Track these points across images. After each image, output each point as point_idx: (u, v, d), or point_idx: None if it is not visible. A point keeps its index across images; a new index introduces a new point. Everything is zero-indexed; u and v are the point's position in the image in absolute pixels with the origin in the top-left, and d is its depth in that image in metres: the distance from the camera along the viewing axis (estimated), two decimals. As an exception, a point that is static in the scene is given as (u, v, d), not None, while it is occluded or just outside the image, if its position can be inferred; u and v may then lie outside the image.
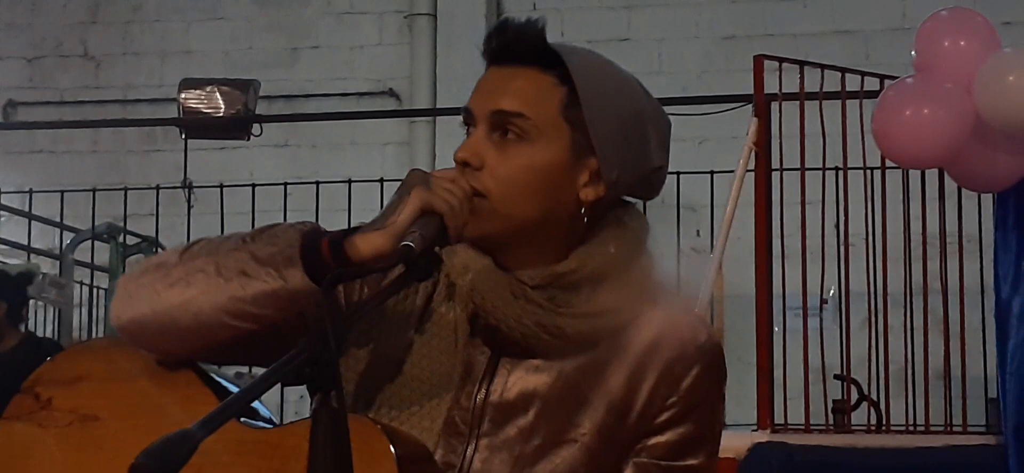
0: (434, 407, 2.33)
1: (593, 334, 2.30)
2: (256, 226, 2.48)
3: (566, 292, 2.27)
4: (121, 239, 10.92)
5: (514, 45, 2.26)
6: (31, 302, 9.76)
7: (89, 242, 10.85)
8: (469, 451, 2.32)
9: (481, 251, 2.31)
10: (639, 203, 2.43)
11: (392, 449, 2.13)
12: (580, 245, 2.29)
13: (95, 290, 10.99)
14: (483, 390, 2.32)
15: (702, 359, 2.31)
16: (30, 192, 10.84)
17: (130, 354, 2.36)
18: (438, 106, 12.50)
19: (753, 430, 6.67)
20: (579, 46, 2.27)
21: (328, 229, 2.27)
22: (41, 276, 10.14)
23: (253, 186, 9.97)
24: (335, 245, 2.14)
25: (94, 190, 10.66)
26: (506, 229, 2.26)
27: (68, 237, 10.94)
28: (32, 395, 2.47)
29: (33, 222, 11.02)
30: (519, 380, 2.32)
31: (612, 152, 2.27)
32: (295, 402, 9.80)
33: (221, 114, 10.23)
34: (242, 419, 2.22)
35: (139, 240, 10.85)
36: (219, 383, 2.36)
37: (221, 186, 10.12)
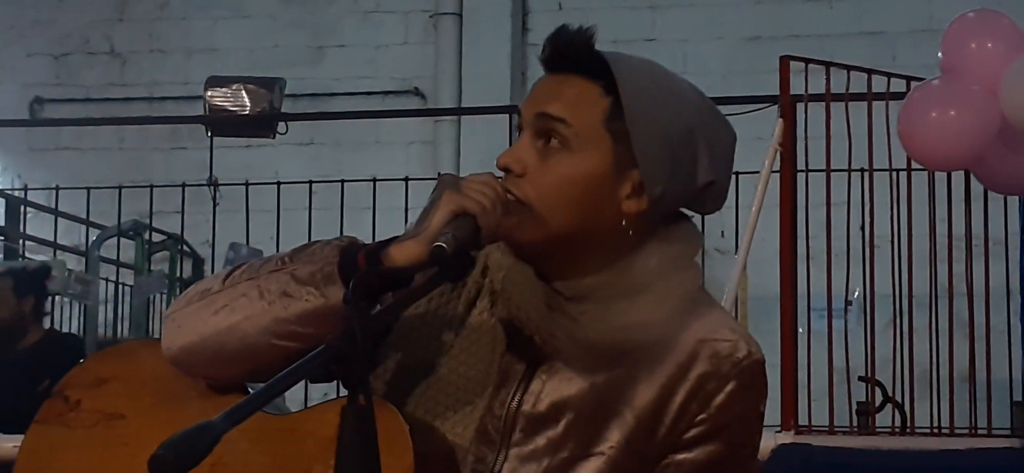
0: (467, 413, 2.34)
1: (626, 347, 2.30)
2: (281, 224, 2.54)
3: (601, 305, 2.28)
4: (146, 236, 10.96)
5: (565, 52, 2.26)
6: (56, 298, 9.77)
7: (115, 239, 10.91)
8: (499, 460, 2.34)
9: (523, 260, 2.30)
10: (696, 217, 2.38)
11: (410, 438, 2.14)
12: (622, 258, 2.31)
13: (120, 286, 11.09)
14: (516, 399, 2.34)
15: (738, 376, 2.30)
16: (57, 189, 10.85)
17: (156, 355, 2.36)
18: (463, 105, 12.49)
19: (776, 431, 6.66)
20: (635, 56, 2.26)
21: (358, 237, 2.31)
22: (66, 272, 10.18)
23: (278, 184, 10.00)
24: (371, 257, 2.17)
25: (120, 187, 10.70)
26: (546, 238, 2.27)
27: (94, 234, 11.00)
28: (61, 398, 2.47)
29: (59, 218, 11.08)
30: (552, 391, 2.33)
31: (656, 168, 2.28)
32: (319, 400, 9.63)
33: (247, 112, 10.30)
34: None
35: (164, 237, 10.89)
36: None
37: (246, 184, 10.13)
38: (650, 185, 2.25)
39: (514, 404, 2.33)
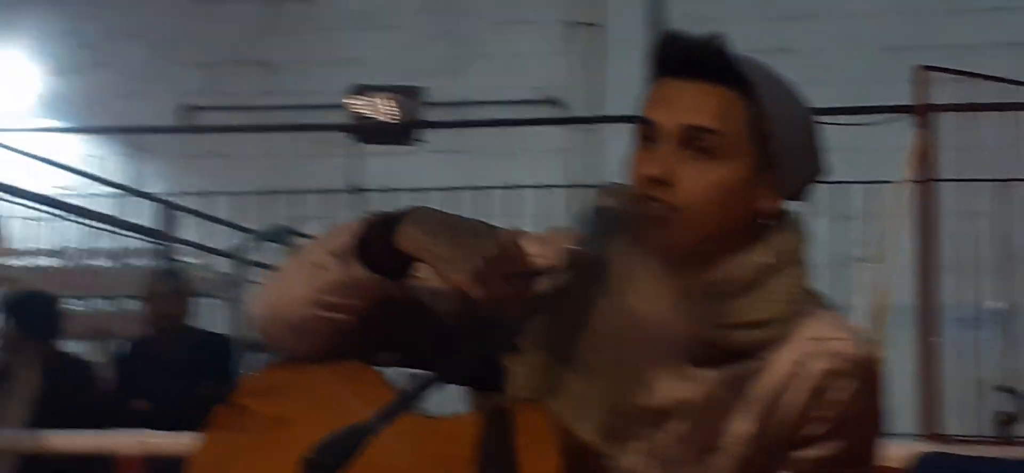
0: (597, 407, 2.40)
1: (747, 342, 2.32)
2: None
3: (721, 300, 2.32)
4: (291, 240, 11.03)
5: (696, 58, 2.28)
6: (206, 299, 10.14)
7: (261, 243, 11.17)
8: (630, 452, 2.37)
9: (666, 261, 2.32)
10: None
11: (553, 437, 2.20)
12: (734, 254, 2.36)
13: None
14: (642, 395, 2.37)
15: (859, 375, 2.30)
16: (209, 194, 11.29)
17: (318, 364, 2.48)
18: (605, 114, 12.48)
19: (916, 439, 6.60)
20: (758, 61, 2.30)
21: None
22: (216, 275, 10.73)
23: (419, 191, 9.88)
24: (379, 228, 2.22)
25: (266, 192, 11.18)
26: (693, 241, 2.32)
27: (242, 238, 11.29)
28: (233, 406, 2.58)
29: (209, 223, 11.36)
30: (672, 388, 2.35)
31: (794, 168, 2.34)
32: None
33: (389, 120, 10.41)
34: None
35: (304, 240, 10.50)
36: (394, 382, 2.42)
37: (389, 190, 10.16)
38: (788, 184, 2.30)
39: (640, 400, 2.37)
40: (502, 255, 2.23)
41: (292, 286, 2.33)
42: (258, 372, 2.63)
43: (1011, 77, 7.47)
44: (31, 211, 10.31)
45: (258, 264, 11.07)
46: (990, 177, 7.47)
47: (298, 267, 2.37)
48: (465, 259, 2.24)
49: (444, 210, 2.33)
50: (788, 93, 2.32)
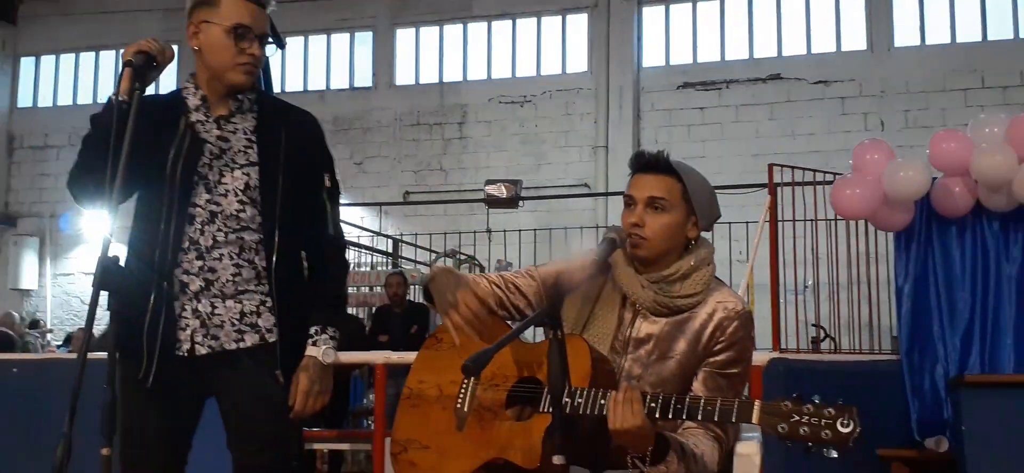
0: (604, 337, 2.37)
1: (683, 305, 2.33)
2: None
3: (669, 284, 2.33)
4: (461, 256, 11.20)
5: (652, 163, 2.33)
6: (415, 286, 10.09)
7: (443, 258, 11.17)
8: (623, 361, 2.35)
9: (636, 264, 2.35)
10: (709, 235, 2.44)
11: (589, 350, 2.25)
12: (678, 259, 2.33)
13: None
14: (628, 331, 2.35)
15: (740, 317, 2.32)
16: (415, 234, 11.54)
17: (488, 317, 2.40)
18: (610, 191, 12.29)
19: (769, 351, 6.07)
20: (683, 163, 2.35)
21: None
22: (418, 275, 10.42)
23: (519, 231, 10.30)
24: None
25: (446, 233, 11.12)
26: (656, 254, 2.32)
27: (433, 256, 11.56)
28: (434, 337, 2.56)
29: (417, 248, 11.63)
30: (646, 327, 2.34)
31: (704, 213, 2.36)
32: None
33: (505, 196, 10.33)
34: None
35: (467, 257, 11.31)
36: (509, 325, 2.43)
37: (504, 231, 10.40)
38: (703, 222, 2.36)
39: (627, 333, 2.34)
40: (457, 302, 2.24)
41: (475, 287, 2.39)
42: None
43: (811, 167, 7.21)
44: None
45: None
46: (803, 218, 7.07)
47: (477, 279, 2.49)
48: (439, 301, 2.30)
49: (455, 271, 2.46)
50: (700, 177, 2.37)
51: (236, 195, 2.50)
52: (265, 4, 2.55)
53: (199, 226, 2.48)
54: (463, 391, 2.35)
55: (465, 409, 2.32)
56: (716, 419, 2.09)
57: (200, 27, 2.50)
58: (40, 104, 16.87)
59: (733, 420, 2.07)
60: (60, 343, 13.02)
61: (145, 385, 2.41)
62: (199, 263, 2.48)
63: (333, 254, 2.63)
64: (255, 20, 2.49)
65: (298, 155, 2.56)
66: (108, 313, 2.36)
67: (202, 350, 2.48)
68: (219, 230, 2.48)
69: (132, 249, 2.47)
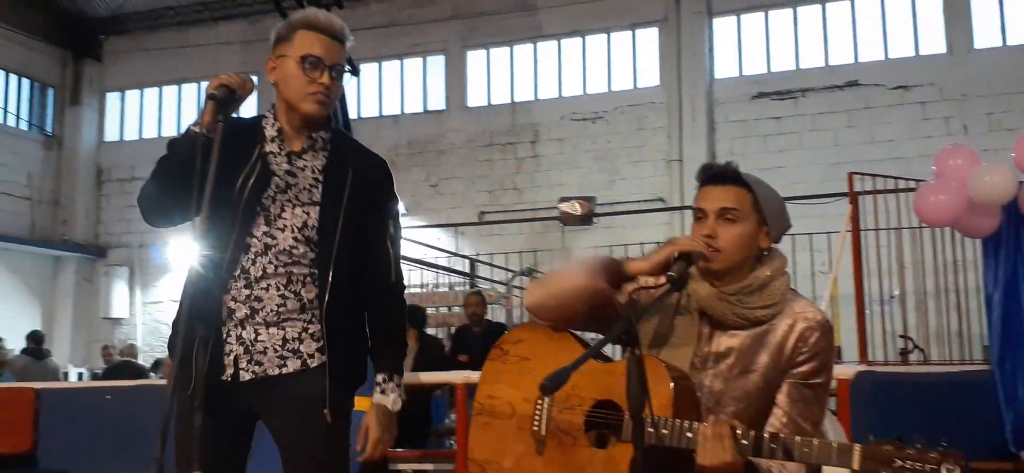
0: (683, 354, 2.34)
1: (762, 316, 2.31)
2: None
3: (748, 295, 2.30)
4: (534, 275, 11.48)
5: (722, 175, 2.33)
6: (493, 305, 10.34)
7: (520, 277, 11.58)
8: (703, 377, 2.32)
9: (710, 278, 2.32)
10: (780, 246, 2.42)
11: (668, 372, 2.19)
12: (752, 271, 2.32)
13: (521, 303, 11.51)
14: (708, 346, 2.33)
15: (820, 328, 2.28)
16: (490, 253, 11.47)
17: (543, 331, 2.44)
18: (684, 205, 12.15)
19: (855, 363, 6.00)
20: (751, 173, 2.33)
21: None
22: (498, 294, 10.73)
23: (594, 248, 10.77)
24: (616, 262, 2.28)
25: (522, 251, 11.28)
26: (729, 266, 2.29)
27: (509, 275, 11.68)
28: (499, 349, 2.54)
29: (493, 267, 11.55)
30: (725, 341, 2.31)
31: (776, 224, 2.35)
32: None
33: (579, 214, 10.87)
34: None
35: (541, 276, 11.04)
36: (585, 342, 2.40)
37: (578, 248, 11.18)
38: (774, 233, 2.34)
39: (707, 349, 2.31)
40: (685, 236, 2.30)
41: (561, 285, 2.34)
42: (511, 331, 2.57)
43: (892, 174, 7.14)
44: (410, 264, 10.56)
45: (519, 287, 11.59)
46: (886, 227, 6.88)
47: (563, 277, 2.35)
48: (670, 243, 2.28)
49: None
50: (770, 188, 2.36)
51: (293, 232, 2.54)
52: (341, 37, 2.59)
53: (252, 256, 2.53)
54: (539, 411, 2.33)
55: (542, 431, 2.31)
56: (813, 462, 2.03)
57: (277, 62, 2.56)
58: (126, 137, 17.49)
59: (832, 463, 2.00)
60: (149, 368, 13.29)
61: (197, 409, 2.39)
62: (247, 291, 2.52)
63: (395, 301, 2.65)
64: (327, 52, 2.53)
65: (363, 199, 2.58)
66: (177, 340, 2.44)
67: (246, 376, 2.52)
68: (270, 262, 2.52)
69: (192, 274, 2.49)
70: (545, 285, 2.37)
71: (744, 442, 2.06)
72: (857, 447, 1.99)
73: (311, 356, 2.53)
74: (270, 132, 2.60)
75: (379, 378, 2.61)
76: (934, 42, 13.03)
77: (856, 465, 1.98)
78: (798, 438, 2.06)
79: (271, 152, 2.58)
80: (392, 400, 2.58)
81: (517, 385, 2.39)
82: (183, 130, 2.52)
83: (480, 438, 2.45)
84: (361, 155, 2.69)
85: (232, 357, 2.52)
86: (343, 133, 2.76)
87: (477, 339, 8.32)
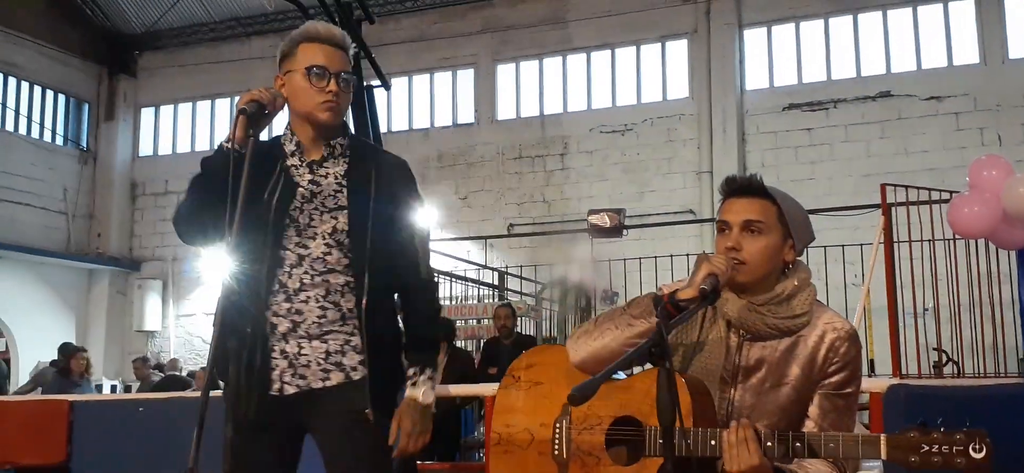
0: (713, 369, 2.33)
1: (793, 326, 2.31)
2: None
3: (775, 305, 2.30)
4: (565, 285, 11.46)
5: (746, 187, 2.33)
6: (522, 319, 10.37)
7: (546, 290, 11.66)
8: (732, 392, 2.31)
9: (736, 290, 2.32)
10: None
11: (685, 383, 2.19)
12: (780, 282, 2.32)
13: (551, 313, 11.65)
14: (737, 359, 2.31)
15: (849, 338, 2.29)
16: (518, 265, 11.61)
17: (559, 352, 2.43)
18: (713, 218, 11.93)
19: (888, 377, 5.94)
20: (775, 186, 2.33)
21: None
22: (528, 307, 10.78)
23: (622, 260, 10.25)
24: (671, 297, 2.19)
25: (548, 264, 11.22)
26: (755, 279, 2.29)
27: (538, 287, 11.80)
28: (511, 375, 2.55)
29: (522, 279, 11.67)
30: (755, 353, 2.30)
31: (800, 236, 2.35)
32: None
33: (609, 226, 10.40)
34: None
35: (570, 287, 11.57)
36: None
37: (607, 260, 10.41)
38: (799, 245, 2.35)
39: (736, 361, 2.29)
40: (714, 254, 2.25)
41: (603, 339, 2.29)
42: (524, 355, 2.55)
43: (925, 185, 7.15)
44: (440, 276, 9.91)
45: (548, 300, 11.56)
46: (919, 239, 6.90)
47: (607, 329, 2.30)
48: (705, 265, 2.21)
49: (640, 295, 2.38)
50: (793, 200, 2.37)
51: (324, 238, 2.58)
52: (343, 45, 2.64)
53: (288, 269, 2.57)
54: (558, 435, 2.32)
55: (564, 455, 2.29)
56: (841, 455, 2.04)
57: (285, 78, 2.62)
58: (160, 152, 17.63)
59: (858, 456, 2.02)
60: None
61: (247, 424, 2.48)
62: (287, 305, 2.56)
63: (425, 296, 2.68)
64: (330, 60, 2.59)
65: (388, 199, 2.63)
66: (213, 353, 2.48)
67: (290, 390, 2.56)
68: (306, 273, 2.56)
69: (228, 291, 2.52)
70: (597, 337, 2.32)
71: (768, 444, 2.07)
72: (883, 437, 2.01)
73: (354, 369, 2.56)
74: (289, 148, 2.66)
75: (410, 372, 2.63)
76: (967, 52, 12.93)
77: (884, 455, 1.99)
78: (823, 434, 2.07)
79: (292, 166, 2.64)
80: (423, 392, 2.59)
81: (533, 411, 2.38)
82: (215, 147, 2.55)
83: (501, 467, 2.43)
84: (381, 156, 2.75)
85: (278, 371, 2.56)
86: (359, 138, 2.80)
87: (507, 351, 8.30)
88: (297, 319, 2.55)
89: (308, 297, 2.56)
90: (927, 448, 1.91)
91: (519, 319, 9.44)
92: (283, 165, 2.63)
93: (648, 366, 2.16)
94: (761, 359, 2.28)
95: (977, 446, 1.88)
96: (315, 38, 2.61)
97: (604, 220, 10.09)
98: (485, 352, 8.93)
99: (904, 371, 6.77)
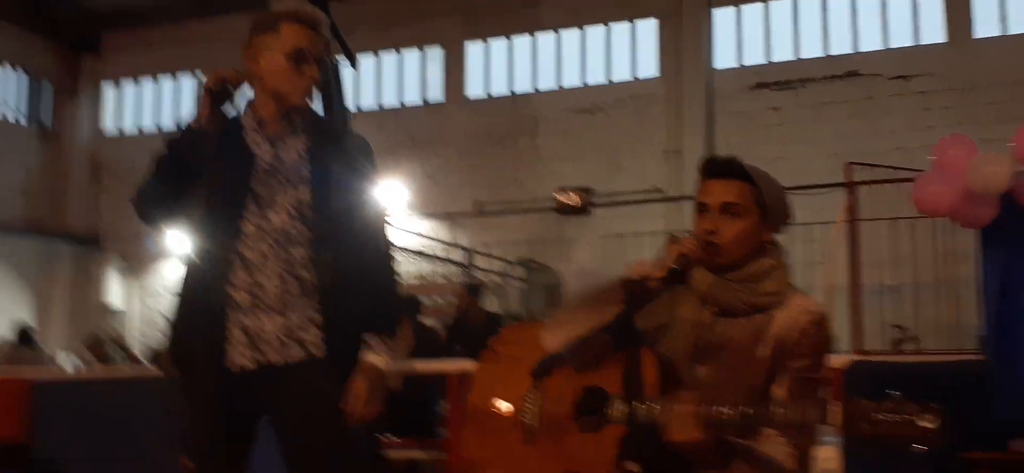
0: (684, 344, 2.35)
1: (767, 303, 2.33)
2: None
3: (749, 283, 2.33)
4: (533, 267, 12.06)
5: (725, 168, 2.34)
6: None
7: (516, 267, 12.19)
8: (704, 368, 2.34)
9: (711, 269, 2.34)
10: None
11: (655, 359, 2.25)
12: (756, 260, 2.34)
13: (520, 291, 12.07)
14: (708, 337, 2.34)
15: (819, 322, 2.31)
16: (487, 244, 12.05)
17: (534, 329, 2.44)
18: (684, 195, 11.90)
19: (849, 353, 6.10)
20: (754, 166, 2.35)
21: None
22: (494, 285, 11.22)
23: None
24: (639, 281, 2.22)
25: (517, 243, 11.86)
26: (732, 259, 2.32)
27: (502, 265, 12.32)
28: (491, 351, 2.57)
29: (489, 257, 12.00)
30: (727, 329, 2.33)
31: (778, 217, 2.37)
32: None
33: (576, 204, 10.81)
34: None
35: (540, 266, 12.13)
36: None
37: (573, 240, 11.08)
38: (776, 225, 2.37)
39: (707, 337, 2.32)
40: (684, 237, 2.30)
41: (578, 328, 2.28)
42: (503, 332, 2.62)
43: (894, 164, 7.12)
44: (408, 254, 10.95)
45: (515, 278, 11.72)
46: (884, 218, 7.08)
47: (580, 316, 2.30)
48: (672, 246, 2.25)
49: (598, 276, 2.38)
50: (772, 180, 2.37)
51: (287, 211, 2.57)
52: (321, 29, 2.63)
53: (249, 242, 2.55)
54: (529, 404, 2.34)
55: (532, 423, 2.31)
56: (796, 424, 2.06)
57: (260, 53, 2.59)
58: (124, 129, 17.52)
59: (814, 424, 2.05)
60: (148, 360, 13.34)
61: (203, 400, 2.46)
62: (247, 278, 2.54)
63: (386, 271, 2.68)
64: (312, 44, 2.59)
65: (350, 175, 2.63)
66: (172, 330, 2.51)
67: (249, 365, 2.54)
68: (268, 246, 2.55)
69: (190, 267, 2.54)
70: (566, 326, 2.31)
71: (728, 412, 2.07)
72: (837, 404, 2.02)
73: (315, 346, 2.55)
74: (250, 123, 2.64)
75: (370, 340, 2.60)
76: (935, 31, 13.02)
77: (837, 421, 2.01)
78: (777, 405, 2.10)
79: (253, 141, 2.62)
80: (382, 360, 2.57)
81: (512, 385, 2.40)
82: (179, 125, 2.54)
83: (474, 438, 2.47)
84: (342, 133, 2.77)
85: (237, 346, 2.54)
86: (319, 114, 2.81)
87: (474, 331, 8.27)
88: (257, 292, 2.54)
89: (269, 270, 2.54)
90: (879, 416, 1.94)
91: (485, 297, 9.38)
92: (244, 138, 2.62)
93: None
94: (732, 337, 2.31)
95: (929, 417, 1.91)
96: (301, 20, 2.61)
97: (571, 198, 10.33)
98: (453, 331, 8.90)
99: (865, 348, 6.82)
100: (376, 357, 2.57)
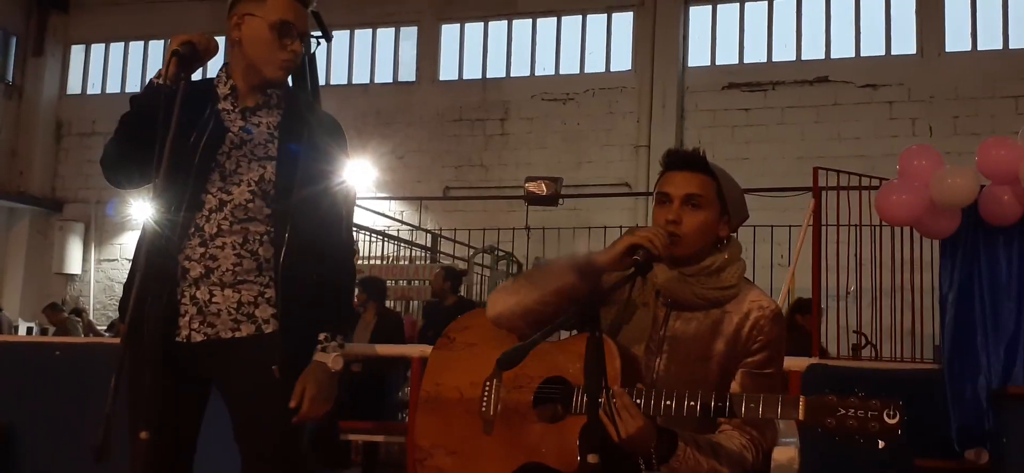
0: (639, 337, 2.37)
1: (722, 296, 2.36)
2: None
3: (705, 276, 2.35)
4: (498, 253, 11.52)
5: (688, 161, 2.36)
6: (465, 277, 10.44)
7: (481, 254, 11.53)
8: (657, 362, 2.35)
9: (669, 262, 2.34)
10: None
11: (617, 350, 2.25)
12: (713, 254, 2.37)
13: (483, 277, 11.44)
14: (663, 330, 2.36)
15: (775, 319, 2.35)
16: (454, 230, 11.34)
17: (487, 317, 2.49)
18: (648, 191, 11.83)
19: (808, 356, 6.04)
20: (714, 163, 2.38)
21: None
22: (461, 271, 10.69)
23: (560, 229, 10.05)
24: (586, 258, 2.27)
25: (485, 229, 11.00)
26: (691, 250, 2.33)
27: (472, 252, 11.66)
28: (446, 336, 2.57)
29: (459, 244, 11.67)
30: (682, 324, 2.35)
31: (736, 212, 2.40)
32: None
33: (545, 194, 10.18)
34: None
35: (505, 254, 11.50)
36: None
37: (543, 228, 10.41)
38: (734, 220, 2.41)
39: (662, 332, 2.35)
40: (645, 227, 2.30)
41: (519, 296, 2.33)
42: (460, 318, 2.58)
43: (857, 171, 6.99)
44: (373, 235, 10.78)
45: (483, 265, 11.48)
46: (846, 224, 6.74)
47: (523, 286, 2.35)
48: (627, 237, 2.27)
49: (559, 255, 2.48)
50: (731, 179, 2.41)
51: (249, 186, 2.53)
52: (308, 2, 2.58)
53: (207, 213, 2.51)
54: (487, 393, 2.34)
55: (491, 412, 2.31)
56: (759, 415, 2.08)
57: (244, 19, 2.54)
58: (89, 91, 17.25)
59: (778, 416, 2.07)
60: (104, 328, 13.26)
61: (151, 368, 2.38)
62: (202, 250, 2.51)
63: (344, 260, 2.64)
64: (298, 18, 2.54)
65: (318, 156, 2.58)
66: (125, 296, 2.45)
67: (198, 337, 2.51)
68: (225, 218, 2.51)
69: (149, 234, 2.48)
70: (514, 293, 2.34)
71: (692, 403, 2.09)
72: (801, 399, 2.06)
73: (266, 322, 2.52)
74: (223, 90, 2.60)
75: (321, 337, 2.55)
76: (905, 43, 13.16)
77: (801, 416, 2.05)
78: (745, 395, 2.11)
79: (224, 110, 2.58)
80: (332, 359, 2.52)
81: (464, 371, 2.40)
82: (146, 85, 2.49)
83: (426, 425, 2.45)
84: (315, 113, 2.70)
85: (186, 318, 2.51)
86: (294, 91, 2.75)
87: (444, 314, 8.19)
88: (211, 265, 2.50)
89: (224, 243, 2.51)
90: (843, 411, 1.97)
91: (462, 283, 9.44)
92: (214, 108, 2.57)
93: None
94: (686, 331, 2.33)
95: (891, 413, 1.95)
96: None
97: (541, 188, 9.76)
98: (426, 315, 9.02)
99: (824, 352, 6.85)
100: (329, 358, 2.52)
